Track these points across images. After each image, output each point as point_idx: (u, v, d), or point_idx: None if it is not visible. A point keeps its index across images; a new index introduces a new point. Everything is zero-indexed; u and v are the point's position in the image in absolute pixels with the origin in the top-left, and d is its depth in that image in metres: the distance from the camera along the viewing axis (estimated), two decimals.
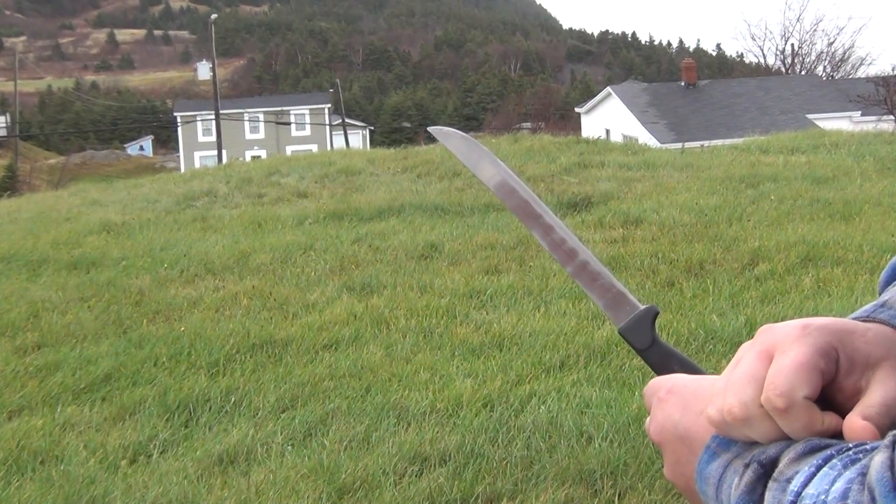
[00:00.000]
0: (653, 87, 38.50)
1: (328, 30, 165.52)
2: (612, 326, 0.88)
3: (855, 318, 0.70)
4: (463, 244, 7.96)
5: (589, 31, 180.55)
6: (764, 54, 51.49)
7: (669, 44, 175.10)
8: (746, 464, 0.62)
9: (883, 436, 0.57)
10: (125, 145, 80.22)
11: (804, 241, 7.10)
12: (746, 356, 0.65)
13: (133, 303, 6.77)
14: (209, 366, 5.28)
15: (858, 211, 8.23)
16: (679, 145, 19.20)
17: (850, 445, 0.58)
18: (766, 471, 0.60)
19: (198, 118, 58.67)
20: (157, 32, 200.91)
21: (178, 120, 62.34)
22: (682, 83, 35.80)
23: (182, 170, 36.49)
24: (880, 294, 0.76)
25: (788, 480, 0.57)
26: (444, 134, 1.09)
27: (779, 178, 10.23)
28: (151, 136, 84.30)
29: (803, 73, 44.34)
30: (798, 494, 0.56)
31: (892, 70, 37.50)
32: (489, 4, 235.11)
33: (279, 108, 64.02)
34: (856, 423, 0.59)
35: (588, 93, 73.29)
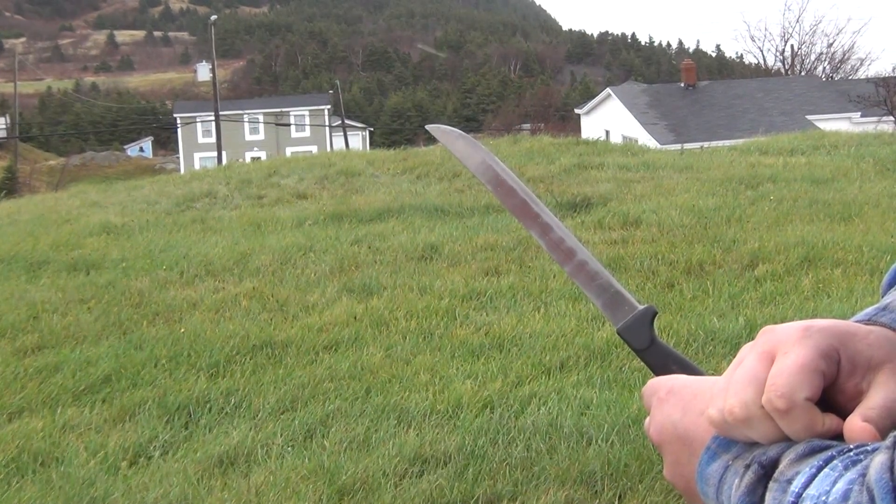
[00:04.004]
0: (652, 89, 38.51)
1: (328, 31, 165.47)
2: (612, 327, 0.87)
3: (857, 321, 0.70)
4: (463, 245, 7.96)
5: (588, 32, 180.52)
6: (763, 55, 51.55)
7: (669, 45, 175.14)
8: (747, 465, 0.62)
9: (883, 438, 0.57)
10: (125, 147, 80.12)
11: (804, 243, 7.09)
12: (748, 357, 0.65)
13: (133, 304, 6.77)
14: (209, 367, 5.28)
15: (858, 212, 8.23)
16: (679, 146, 19.21)
17: (852, 447, 0.58)
18: (767, 472, 0.60)
19: (197, 119, 58.69)
20: (157, 34, 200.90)
21: (178, 121, 62.35)
22: (682, 84, 35.82)
23: (182, 171, 36.51)
24: (883, 297, 0.76)
25: (789, 481, 0.57)
26: (443, 132, 1.08)
27: (778, 180, 10.23)
28: (151, 138, 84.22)
29: (803, 74, 44.38)
30: (799, 495, 0.56)
31: (892, 71, 37.51)
32: (489, 6, 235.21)
33: (279, 110, 64.06)
34: (856, 424, 0.59)
35: (588, 94, 73.32)
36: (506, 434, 4.04)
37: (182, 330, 5.98)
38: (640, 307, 0.90)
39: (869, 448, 0.56)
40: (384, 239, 8.52)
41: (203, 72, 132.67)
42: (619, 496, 3.46)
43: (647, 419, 0.75)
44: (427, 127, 1.17)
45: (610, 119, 35.23)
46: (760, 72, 49.82)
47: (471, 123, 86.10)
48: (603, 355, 5.01)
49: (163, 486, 3.77)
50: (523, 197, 0.99)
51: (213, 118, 36.51)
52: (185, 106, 70.11)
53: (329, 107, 64.61)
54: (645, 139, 28.65)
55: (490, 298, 6.33)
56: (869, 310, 0.73)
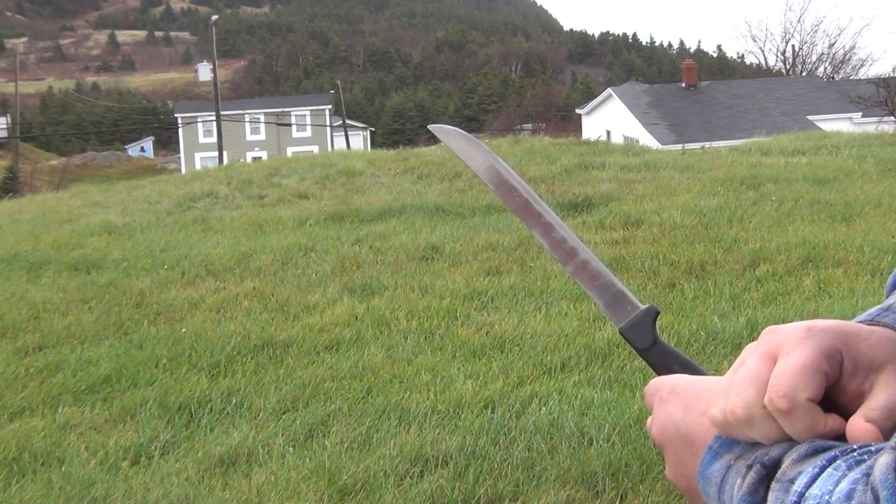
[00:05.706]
0: (653, 89, 38.50)
1: (329, 31, 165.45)
2: (613, 328, 0.87)
3: (860, 321, 0.70)
4: (464, 245, 7.96)
5: (590, 33, 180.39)
6: (765, 55, 51.63)
7: (670, 45, 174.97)
8: (749, 465, 0.62)
9: (886, 438, 0.57)
10: (126, 146, 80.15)
11: (805, 243, 7.09)
12: (750, 357, 0.65)
13: (134, 304, 6.77)
14: (210, 367, 5.28)
15: (859, 212, 8.22)
16: (680, 146, 19.21)
17: (855, 447, 0.57)
18: (769, 472, 0.60)
19: (199, 119, 58.71)
20: (158, 34, 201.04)
21: (179, 121, 62.37)
22: (683, 84, 35.81)
23: (183, 171, 36.54)
24: (887, 297, 0.76)
25: (791, 481, 0.57)
26: (445, 132, 1.08)
27: (779, 180, 10.23)
28: (152, 138, 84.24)
29: (804, 74, 44.37)
30: (801, 495, 0.56)
31: (893, 71, 37.50)
32: (490, 6, 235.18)
33: (280, 110, 64.07)
34: (859, 424, 0.59)
35: (589, 94, 73.26)
36: (507, 434, 4.03)
37: (183, 330, 5.98)
38: (642, 307, 0.90)
39: (872, 448, 0.56)
40: (385, 239, 8.51)
41: (204, 72, 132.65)
42: (621, 496, 3.46)
43: (649, 419, 0.75)
44: (429, 127, 1.17)
45: (611, 119, 35.23)
46: (761, 72, 49.83)
47: (472, 123, 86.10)
48: (604, 355, 5.00)
49: (163, 485, 3.77)
50: (525, 196, 0.98)
51: (214, 118, 36.50)
52: (187, 106, 70.11)
53: (330, 107, 64.62)
54: (646, 139, 28.64)
55: (491, 298, 6.33)
56: (872, 310, 0.73)
